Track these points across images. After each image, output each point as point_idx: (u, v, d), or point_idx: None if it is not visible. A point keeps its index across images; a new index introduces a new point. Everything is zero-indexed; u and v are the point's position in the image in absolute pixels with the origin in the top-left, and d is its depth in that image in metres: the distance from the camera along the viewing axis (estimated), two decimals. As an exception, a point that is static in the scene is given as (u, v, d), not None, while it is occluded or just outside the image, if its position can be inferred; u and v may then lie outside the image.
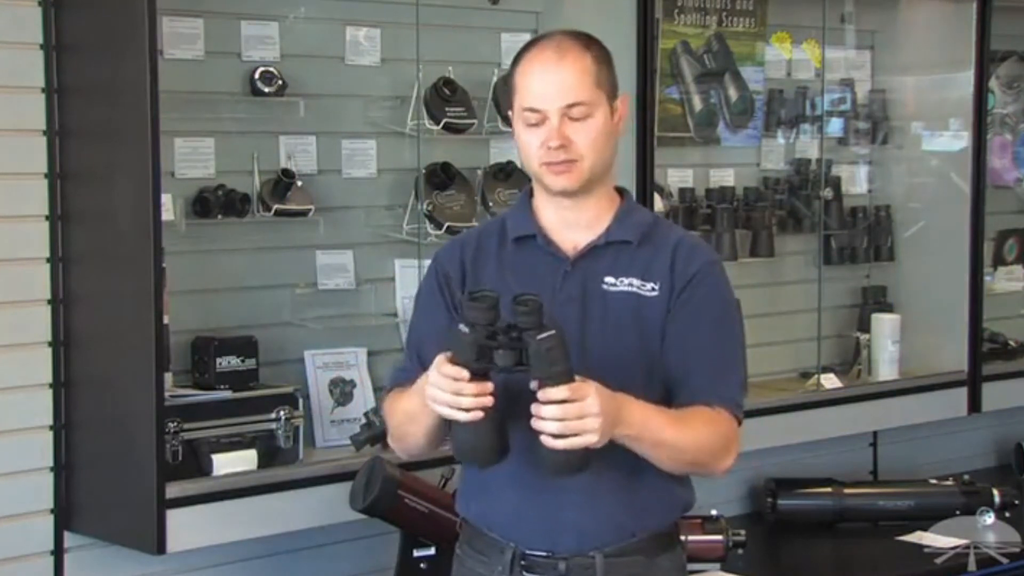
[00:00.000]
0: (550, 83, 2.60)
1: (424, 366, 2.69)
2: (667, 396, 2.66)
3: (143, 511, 3.18)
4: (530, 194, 2.76)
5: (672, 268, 2.66)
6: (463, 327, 2.44)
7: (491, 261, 2.71)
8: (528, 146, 2.64)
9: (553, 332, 2.41)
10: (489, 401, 2.44)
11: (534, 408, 2.43)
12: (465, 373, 2.42)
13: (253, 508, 3.33)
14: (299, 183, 3.64)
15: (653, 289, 2.65)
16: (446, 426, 2.58)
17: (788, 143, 4.78)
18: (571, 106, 2.59)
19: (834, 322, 4.85)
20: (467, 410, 2.44)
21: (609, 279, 2.65)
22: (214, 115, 3.58)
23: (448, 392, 2.44)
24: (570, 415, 2.41)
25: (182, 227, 3.47)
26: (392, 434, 2.79)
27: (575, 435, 2.42)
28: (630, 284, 2.65)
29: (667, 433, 2.57)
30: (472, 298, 2.46)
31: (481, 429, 2.46)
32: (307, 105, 3.67)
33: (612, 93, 2.66)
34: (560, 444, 2.42)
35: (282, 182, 3.60)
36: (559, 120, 2.59)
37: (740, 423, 2.69)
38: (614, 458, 2.60)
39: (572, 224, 2.69)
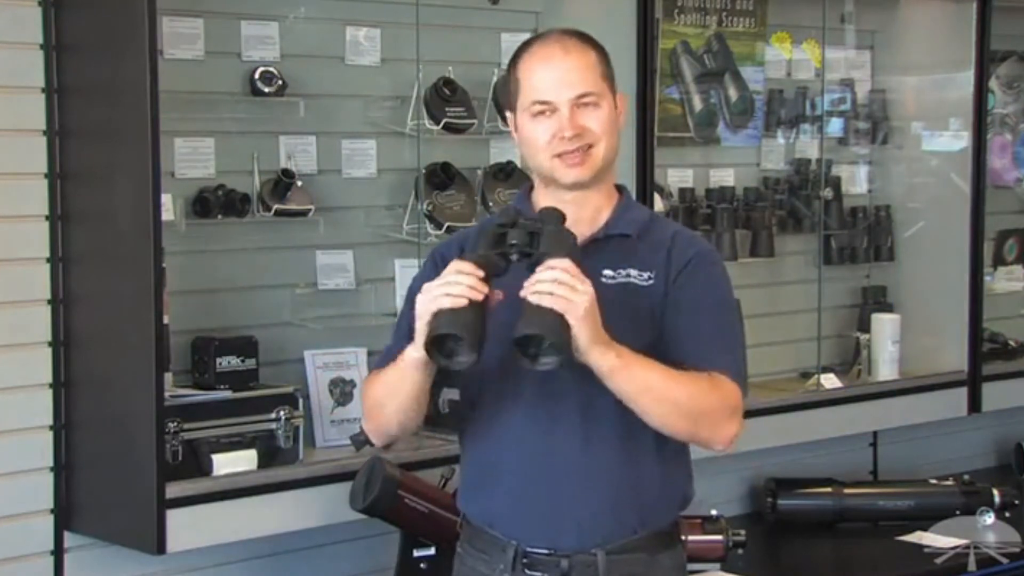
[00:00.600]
0: (559, 76, 2.62)
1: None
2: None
3: (143, 511, 3.18)
4: (529, 190, 2.77)
5: (668, 257, 2.67)
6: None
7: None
8: (536, 140, 2.64)
9: (571, 233, 2.50)
10: (478, 296, 2.44)
11: (533, 279, 2.44)
12: (479, 272, 2.44)
13: (253, 508, 3.33)
14: (299, 183, 3.65)
15: (649, 278, 2.66)
16: (423, 400, 2.61)
17: (788, 143, 4.78)
18: (581, 96, 2.61)
19: (834, 322, 4.85)
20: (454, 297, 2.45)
21: (607, 272, 2.66)
22: (214, 115, 3.58)
23: (440, 283, 2.45)
24: (565, 283, 2.42)
25: (182, 227, 3.47)
26: (366, 415, 2.77)
27: (563, 301, 2.42)
28: (627, 275, 2.66)
29: (658, 375, 2.54)
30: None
31: (461, 311, 2.44)
32: (307, 105, 3.67)
33: (613, 88, 2.69)
34: (547, 301, 2.41)
35: (282, 182, 3.60)
36: (570, 110, 2.61)
37: (745, 393, 2.66)
38: (614, 452, 2.61)
39: (574, 218, 2.68)
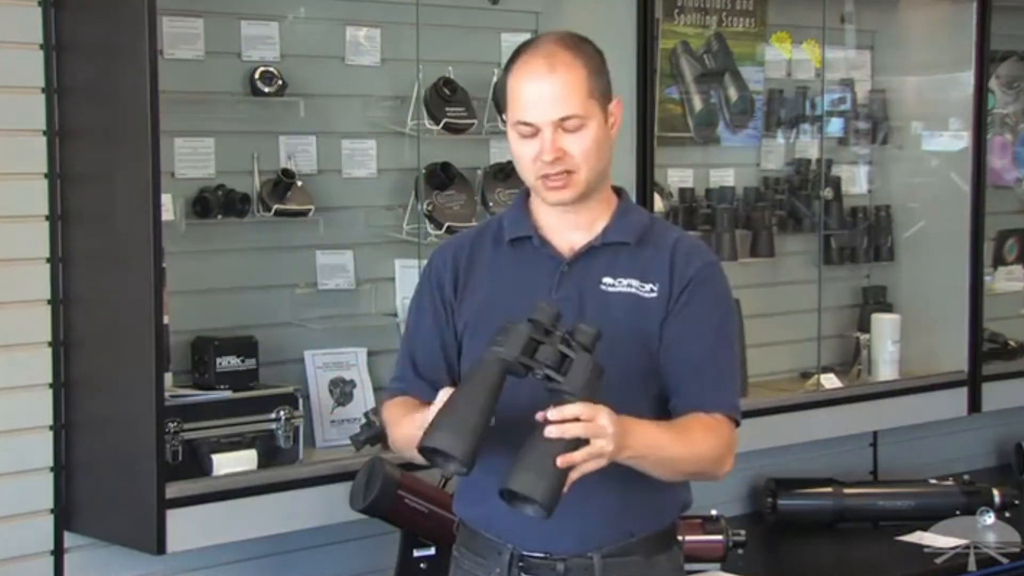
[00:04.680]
0: (542, 97, 2.56)
1: (418, 373, 2.69)
2: (662, 396, 2.65)
3: (143, 511, 3.18)
4: (526, 195, 2.75)
5: (671, 269, 2.65)
6: (523, 322, 2.43)
7: (486, 263, 2.71)
8: (522, 158, 2.62)
9: (601, 366, 2.41)
10: None
11: (551, 429, 2.37)
12: None
13: (253, 508, 3.33)
14: (299, 183, 3.65)
15: (652, 290, 2.64)
16: None
17: (788, 143, 4.78)
18: (564, 119, 2.57)
19: (834, 322, 4.85)
20: None
21: (607, 279, 2.64)
22: (214, 115, 3.58)
23: None
24: (588, 434, 2.38)
25: (182, 227, 3.47)
26: (392, 445, 2.79)
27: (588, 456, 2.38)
28: (629, 285, 2.64)
29: (670, 451, 2.55)
30: (540, 303, 2.46)
31: (462, 422, 2.40)
32: (307, 105, 3.67)
33: (606, 99, 2.63)
34: (578, 457, 2.36)
35: (282, 182, 3.60)
36: (552, 133, 2.56)
37: (738, 425, 2.68)
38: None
39: (570, 225, 2.68)
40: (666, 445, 2.54)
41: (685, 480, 2.70)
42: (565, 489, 2.37)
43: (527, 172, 2.63)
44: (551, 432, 2.37)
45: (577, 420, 2.37)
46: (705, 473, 2.66)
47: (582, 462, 2.37)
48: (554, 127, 2.56)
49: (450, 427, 2.40)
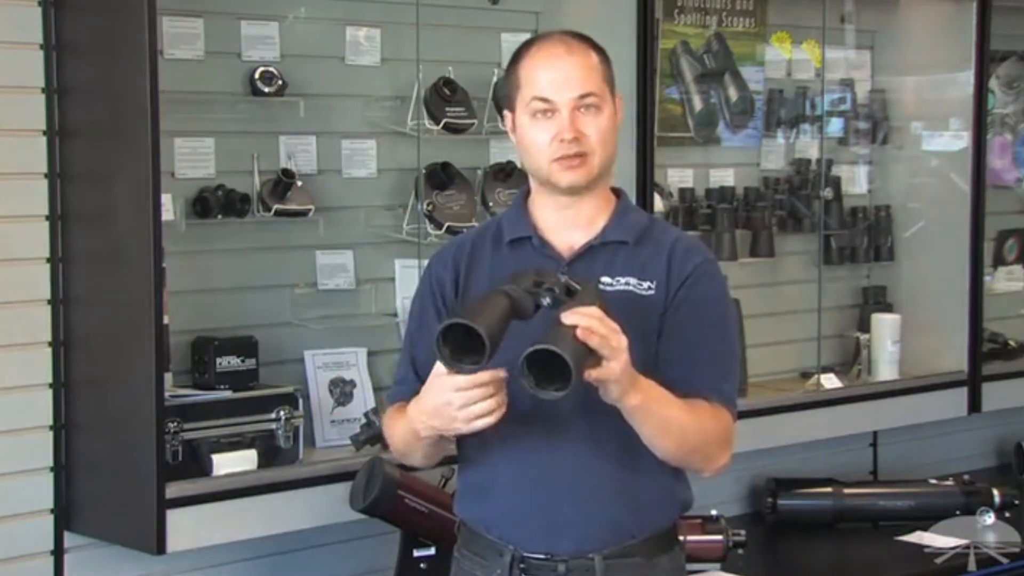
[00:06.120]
0: (561, 75, 2.60)
1: (419, 375, 2.69)
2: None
3: (143, 511, 3.18)
4: (526, 195, 2.75)
5: (669, 267, 2.65)
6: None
7: (486, 264, 2.71)
8: (536, 142, 2.62)
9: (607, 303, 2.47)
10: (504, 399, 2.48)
11: (568, 315, 2.40)
12: (500, 373, 2.44)
13: (253, 508, 3.33)
14: (299, 183, 3.65)
15: (650, 288, 2.64)
16: (441, 445, 2.64)
17: (788, 143, 4.78)
18: (583, 97, 2.60)
19: (834, 322, 4.85)
20: (492, 412, 2.47)
21: (606, 279, 2.64)
22: (214, 115, 3.59)
23: (478, 403, 2.46)
24: (605, 327, 2.41)
25: (182, 227, 3.48)
26: (393, 449, 2.81)
27: (604, 347, 2.40)
28: (627, 283, 2.64)
29: (674, 412, 2.55)
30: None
31: (492, 318, 2.43)
32: (307, 105, 3.67)
33: (614, 93, 2.68)
34: (594, 341, 2.37)
35: (282, 182, 3.60)
36: (570, 112, 2.59)
37: (735, 421, 2.68)
38: (612, 457, 2.60)
39: (569, 224, 2.68)
40: (673, 405, 2.55)
41: (685, 463, 2.67)
42: (585, 375, 2.38)
43: (541, 156, 2.63)
44: (568, 318, 2.40)
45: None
46: (704, 456, 2.64)
47: (599, 345, 2.38)
48: (573, 106, 2.59)
49: (468, 314, 2.41)
